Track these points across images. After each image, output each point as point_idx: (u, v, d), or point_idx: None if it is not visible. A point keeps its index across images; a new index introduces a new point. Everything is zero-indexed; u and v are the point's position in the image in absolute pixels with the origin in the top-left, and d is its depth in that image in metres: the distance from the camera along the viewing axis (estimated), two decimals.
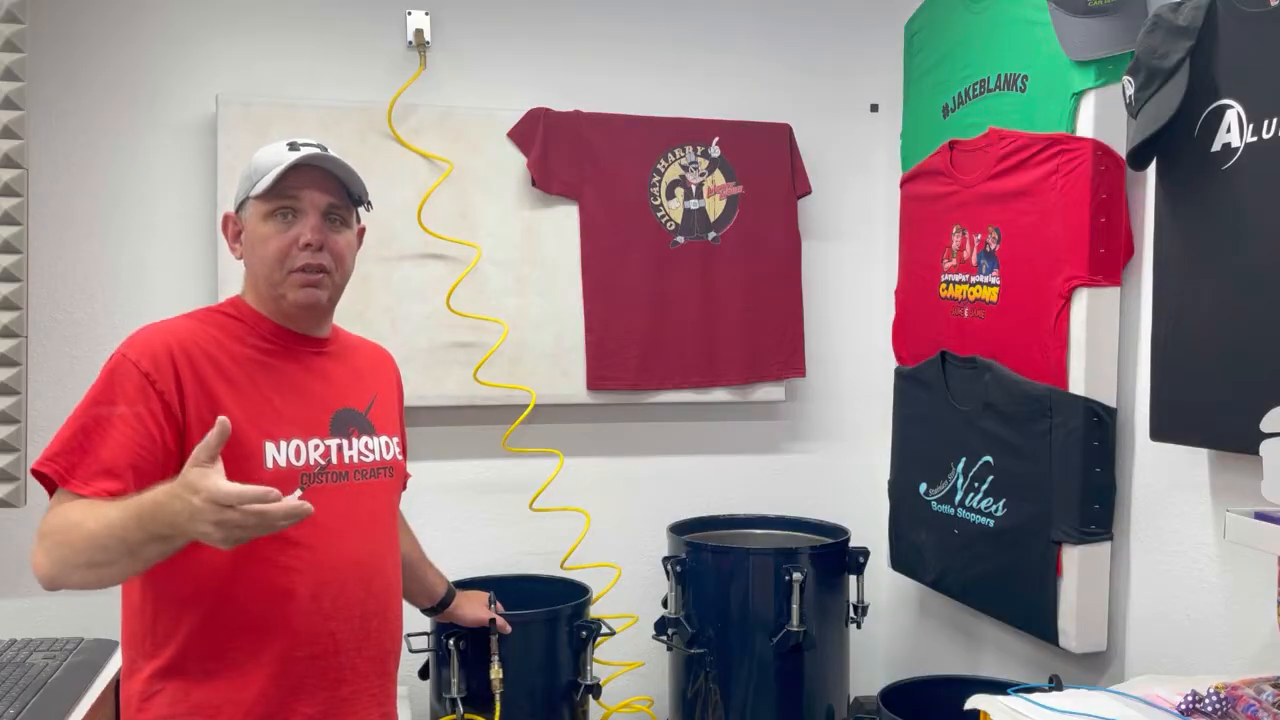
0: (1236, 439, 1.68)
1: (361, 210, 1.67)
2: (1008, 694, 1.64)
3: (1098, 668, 2.17)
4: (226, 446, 1.48)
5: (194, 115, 2.62)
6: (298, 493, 1.52)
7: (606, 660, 2.64)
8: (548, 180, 2.77)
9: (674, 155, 2.86)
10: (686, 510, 2.77)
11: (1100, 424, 2.09)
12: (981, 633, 2.58)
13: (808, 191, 2.95)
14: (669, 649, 2.56)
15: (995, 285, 2.32)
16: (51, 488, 1.45)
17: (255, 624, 1.51)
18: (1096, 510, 2.10)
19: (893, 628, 3.02)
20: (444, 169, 2.69)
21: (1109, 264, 2.08)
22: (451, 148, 2.71)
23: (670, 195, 2.85)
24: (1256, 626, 1.79)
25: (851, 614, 2.54)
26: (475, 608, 2.18)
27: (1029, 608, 2.20)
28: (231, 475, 1.47)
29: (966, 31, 2.49)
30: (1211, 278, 1.77)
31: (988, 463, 2.31)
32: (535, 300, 2.78)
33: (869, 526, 2.76)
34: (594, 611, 2.51)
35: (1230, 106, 1.73)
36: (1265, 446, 1.48)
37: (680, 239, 2.86)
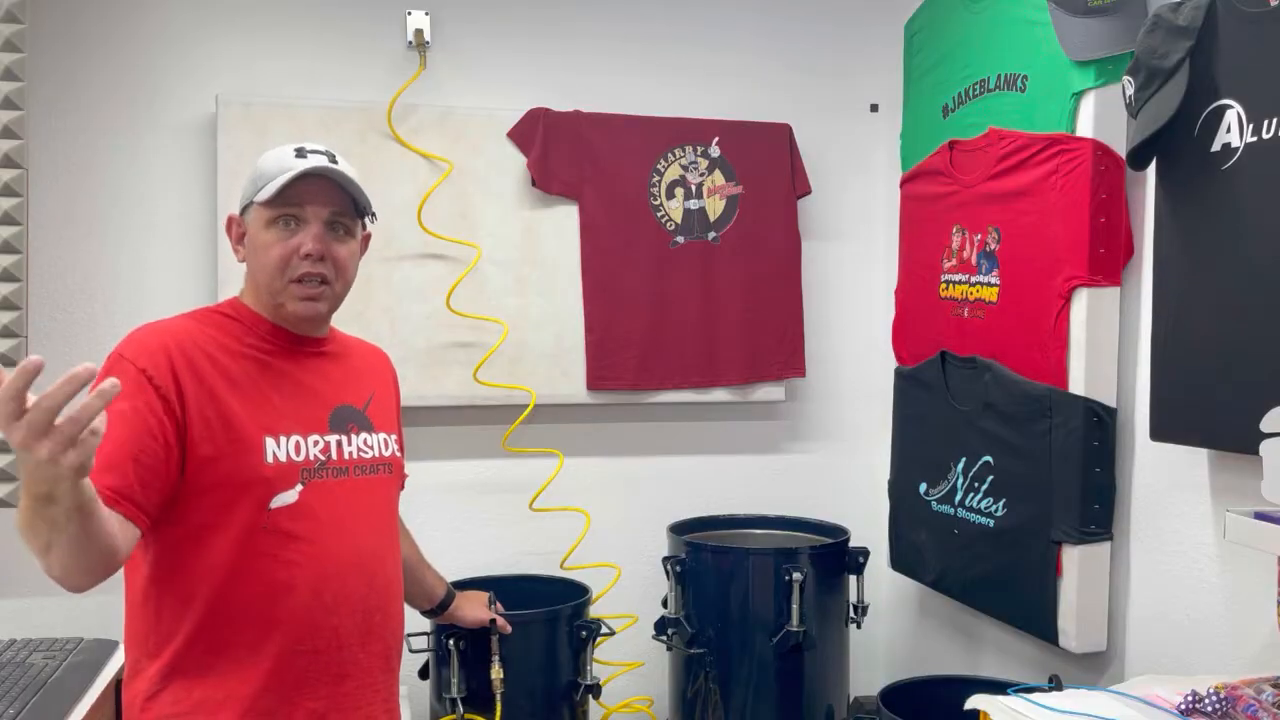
0: (1236, 439, 1.68)
1: (366, 220, 1.66)
2: (1008, 694, 1.64)
3: (1098, 668, 2.17)
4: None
5: (194, 115, 2.62)
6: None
7: (606, 660, 2.64)
8: (548, 180, 2.77)
9: (674, 155, 2.86)
10: (686, 510, 2.77)
11: (1100, 424, 2.09)
12: (981, 633, 2.58)
13: (808, 191, 2.95)
14: (669, 649, 2.56)
15: (995, 285, 2.32)
16: None
17: (258, 619, 1.51)
18: (1096, 510, 2.10)
19: (893, 628, 3.02)
20: (444, 169, 2.69)
21: (1109, 264, 2.08)
22: (451, 148, 2.71)
23: (670, 195, 2.85)
24: (1256, 626, 1.79)
25: (851, 614, 2.54)
26: (475, 608, 2.18)
27: (1029, 608, 2.20)
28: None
29: (966, 31, 2.49)
30: (1211, 278, 1.77)
31: (988, 463, 2.31)
32: (535, 300, 2.78)
33: (869, 526, 2.76)
34: (594, 611, 2.51)
35: (1230, 106, 1.73)
36: (1265, 446, 1.48)
37: (680, 239, 2.86)
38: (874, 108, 3.06)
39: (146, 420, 1.44)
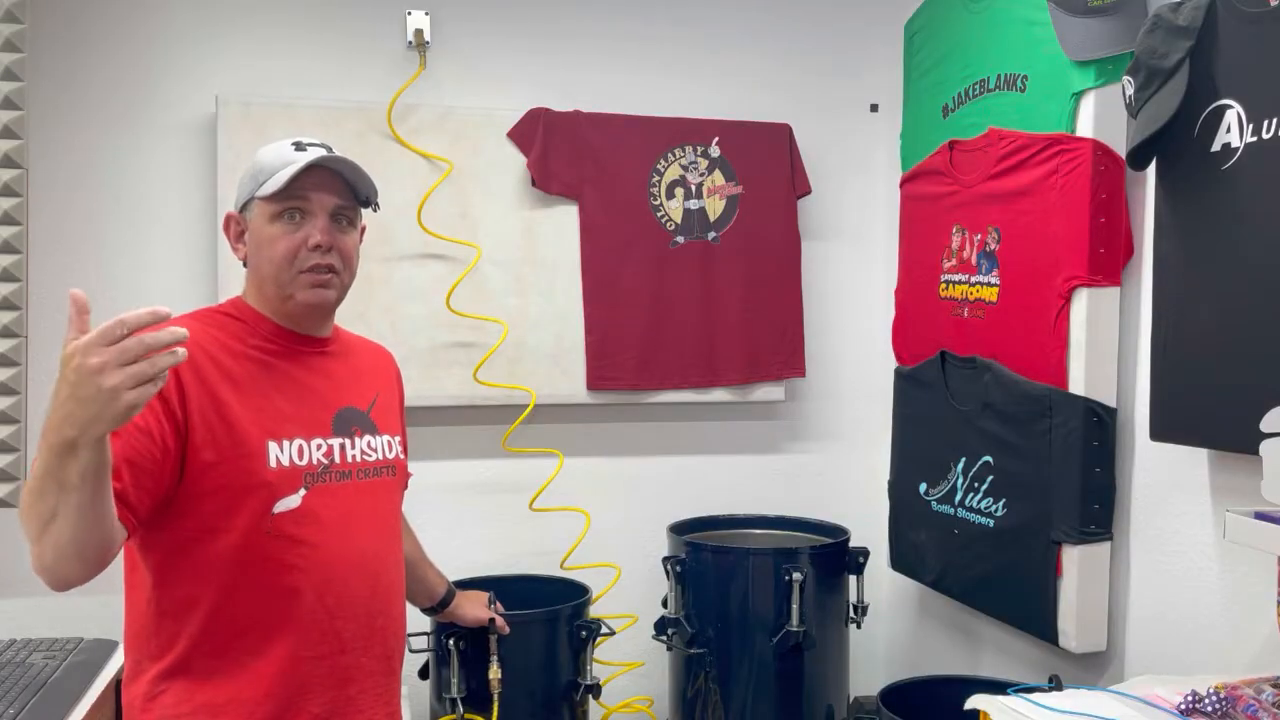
0: (1236, 439, 1.68)
1: (366, 210, 1.67)
2: (1008, 694, 1.64)
3: (1098, 668, 2.17)
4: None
5: (194, 115, 2.62)
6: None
7: (606, 660, 2.64)
8: (548, 180, 2.77)
9: (674, 155, 2.86)
10: (686, 510, 2.77)
11: (1100, 424, 2.08)
12: (981, 633, 2.58)
13: (808, 191, 2.95)
14: (669, 649, 2.56)
15: (995, 285, 2.32)
16: None
17: (261, 623, 1.50)
18: (1096, 510, 2.10)
19: (893, 628, 3.02)
20: (444, 169, 2.69)
21: (1109, 264, 2.08)
22: (451, 148, 2.71)
23: (670, 195, 2.85)
24: (1256, 626, 1.79)
25: (851, 614, 2.54)
26: (475, 608, 2.18)
27: (1029, 608, 2.20)
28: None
29: (966, 31, 2.49)
30: (1211, 278, 1.77)
31: (988, 463, 2.31)
32: (535, 300, 2.78)
33: (869, 526, 2.76)
34: (594, 611, 2.51)
35: (1230, 106, 1.73)
36: (1265, 446, 1.48)
37: (680, 239, 2.86)
38: (874, 108, 3.06)
39: (146, 422, 1.43)
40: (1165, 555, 2.02)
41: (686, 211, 2.86)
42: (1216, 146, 1.75)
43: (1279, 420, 1.47)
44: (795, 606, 2.35)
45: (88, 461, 1.21)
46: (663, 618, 2.54)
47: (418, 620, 2.15)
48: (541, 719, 2.34)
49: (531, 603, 2.40)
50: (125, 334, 1.14)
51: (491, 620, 2.18)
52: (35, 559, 1.34)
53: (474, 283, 2.71)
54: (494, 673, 2.19)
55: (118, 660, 2.06)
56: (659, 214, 2.85)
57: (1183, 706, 1.50)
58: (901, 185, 2.76)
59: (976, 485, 2.35)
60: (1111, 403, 2.10)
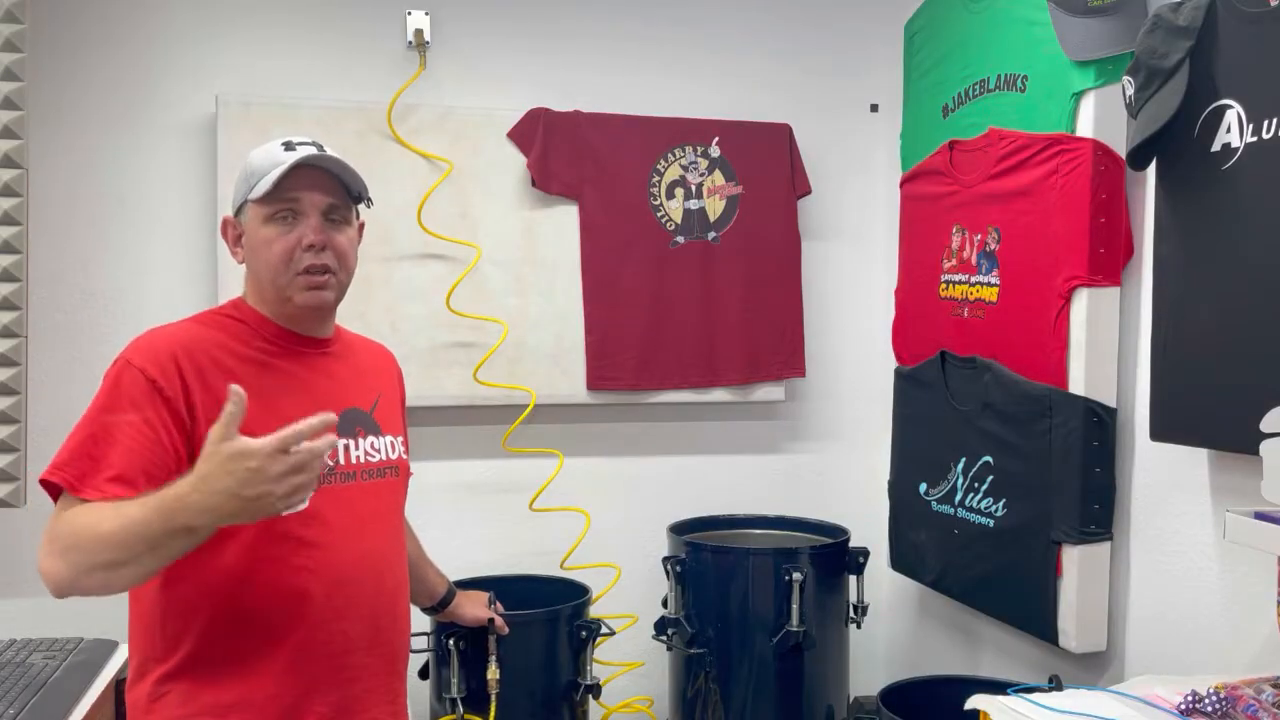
0: (1236, 439, 1.68)
1: (360, 206, 1.66)
2: (1008, 694, 1.64)
3: (1098, 668, 2.17)
4: None
5: (194, 115, 2.62)
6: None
7: (606, 660, 2.64)
8: (548, 180, 2.77)
9: (674, 155, 2.86)
10: (686, 510, 2.77)
11: (1100, 424, 2.08)
12: (981, 633, 2.58)
13: (808, 191, 2.95)
14: (669, 649, 2.56)
15: (995, 285, 2.32)
16: (57, 495, 1.43)
17: (268, 624, 1.50)
18: (1096, 510, 2.10)
19: (893, 628, 3.02)
20: (444, 169, 2.69)
21: (1109, 264, 2.08)
22: (451, 148, 2.71)
23: (670, 195, 2.85)
24: (1256, 626, 1.79)
25: (851, 614, 2.54)
26: (475, 607, 2.18)
27: (1029, 608, 2.20)
28: None
29: (966, 31, 2.49)
30: (1211, 278, 1.77)
31: (988, 463, 2.31)
32: (535, 300, 2.78)
33: (869, 526, 2.76)
34: (594, 611, 2.51)
35: (1230, 106, 1.73)
36: (1265, 446, 1.48)
37: (680, 239, 2.86)
38: (874, 108, 3.06)
39: (157, 432, 1.44)
40: (1165, 555, 2.02)
41: (686, 211, 2.86)
42: (1216, 146, 1.75)
43: (1279, 420, 1.47)
44: (795, 606, 2.35)
45: (198, 542, 1.33)
46: (663, 618, 2.54)
47: (418, 620, 2.14)
48: (541, 719, 2.34)
49: (531, 603, 2.40)
50: (297, 443, 1.25)
51: (491, 620, 2.18)
52: (67, 576, 1.38)
53: (474, 283, 2.71)
54: (492, 673, 2.19)
55: (118, 660, 2.06)
56: (659, 214, 2.85)
57: (1183, 706, 1.50)
58: (901, 185, 2.76)
59: (976, 485, 2.35)
60: (1111, 403, 2.10)
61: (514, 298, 2.76)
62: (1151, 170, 1.95)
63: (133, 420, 1.43)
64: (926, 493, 2.55)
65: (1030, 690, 1.68)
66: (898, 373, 2.73)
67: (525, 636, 2.27)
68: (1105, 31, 2.04)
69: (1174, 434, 1.88)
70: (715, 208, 2.88)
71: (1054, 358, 2.14)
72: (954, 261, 2.48)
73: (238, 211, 1.61)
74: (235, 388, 1.28)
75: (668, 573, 2.51)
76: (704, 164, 2.87)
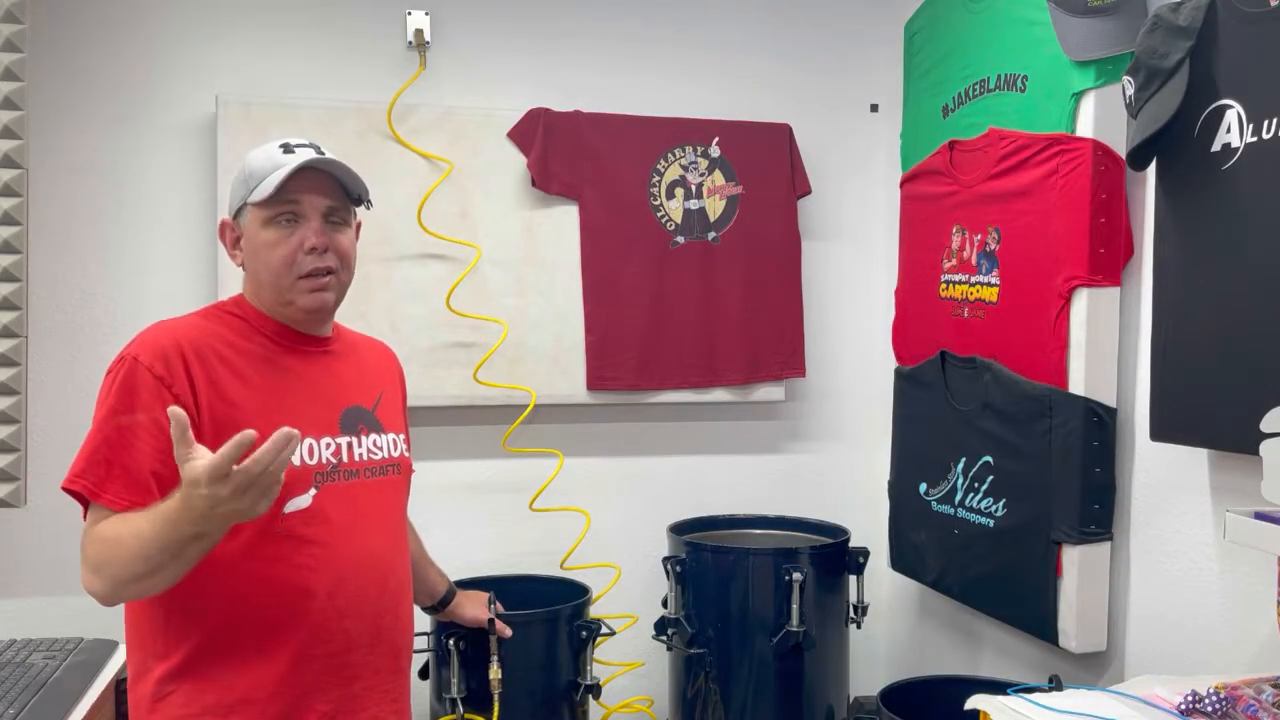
0: (1236, 439, 1.68)
1: (360, 207, 1.66)
2: (1008, 694, 1.64)
3: (1098, 668, 2.17)
4: None
5: (194, 115, 2.62)
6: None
7: (606, 660, 2.64)
8: (548, 180, 2.77)
9: (674, 155, 2.86)
10: (686, 510, 2.77)
11: (1100, 424, 2.08)
12: (981, 633, 2.58)
13: (807, 191, 2.95)
14: (669, 649, 2.56)
15: (995, 285, 2.32)
16: (85, 503, 1.46)
17: (272, 623, 1.50)
18: (1096, 510, 2.10)
19: (893, 628, 3.02)
20: (444, 169, 2.69)
21: (1109, 264, 2.08)
22: (451, 148, 2.71)
23: (670, 195, 2.85)
24: (1256, 626, 1.79)
25: (851, 614, 2.54)
26: (475, 608, 2.18)
27: (1029, 608, 2.20)
28: None
29: (966, 31, 2.49)
30: (1211, 278, 1.77)
31: (988, 463, 2.31)
32: (535, 300, 2.78)
33: (869, 526, 2.77)
34: (594, 611, 2.50)
35: (1230, 106, 1.73)
36: (1265, 446, 1.48)
37: (680, 239, 2.86)
38: (874, 108, 3.06)
39: (165, 432, 1.44)
40: (1165, 555, 2.02)
41: (686, 211, 2.86)
42: (1216, 146, 1.75)
43: (1279, 420, 1.47)
44: (795, 606, 2.35)
45: (211, 543, 1.36)
46: (663, 618, 2.54)
47: (418, 620, 2.14)
48: (541, 719, 2.34)
49: (531, 603, 2.39)
50: (229, 468, 1.26)
51: (491, 621, 2.17)
52: (107, 589, 1.42)
53: (474, 283, 2.71)
54: (494, 673, 2.18)
55: (118, 660, 2.06)
56: (659, 214, 2.85)
57: (1183, 706, 1.50)
58: (901, 185, 2.76)
59: (976, 485, 2.35)
60: (1111, 403, 2.10)
61: (514, 298, 2.76)
62: (1151, 170, 1.95)
63: (142, 422, 1.44)
64: (926, 493, 2.55)
65: (1030, 690, 1.68)
66: (898, 373, 2.73)
67: (525, 636, 2.27)
68: (1105, 31, 2.04)
69: (1174, 434, 1.88)
70: (715, 208, 2.88)
71: (1054, 358, 2.14)
72: (954, 261, 2.48)
73: (236, 214, 1.61)
74: (174, 410, 1.30)
75: (668, 573, 2.51)
76: (704, 164, 2.87)
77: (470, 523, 2.79)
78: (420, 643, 2.26)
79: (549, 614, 2.36)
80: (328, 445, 1.57)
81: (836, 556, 2.50)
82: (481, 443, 2.78)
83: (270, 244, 1.55)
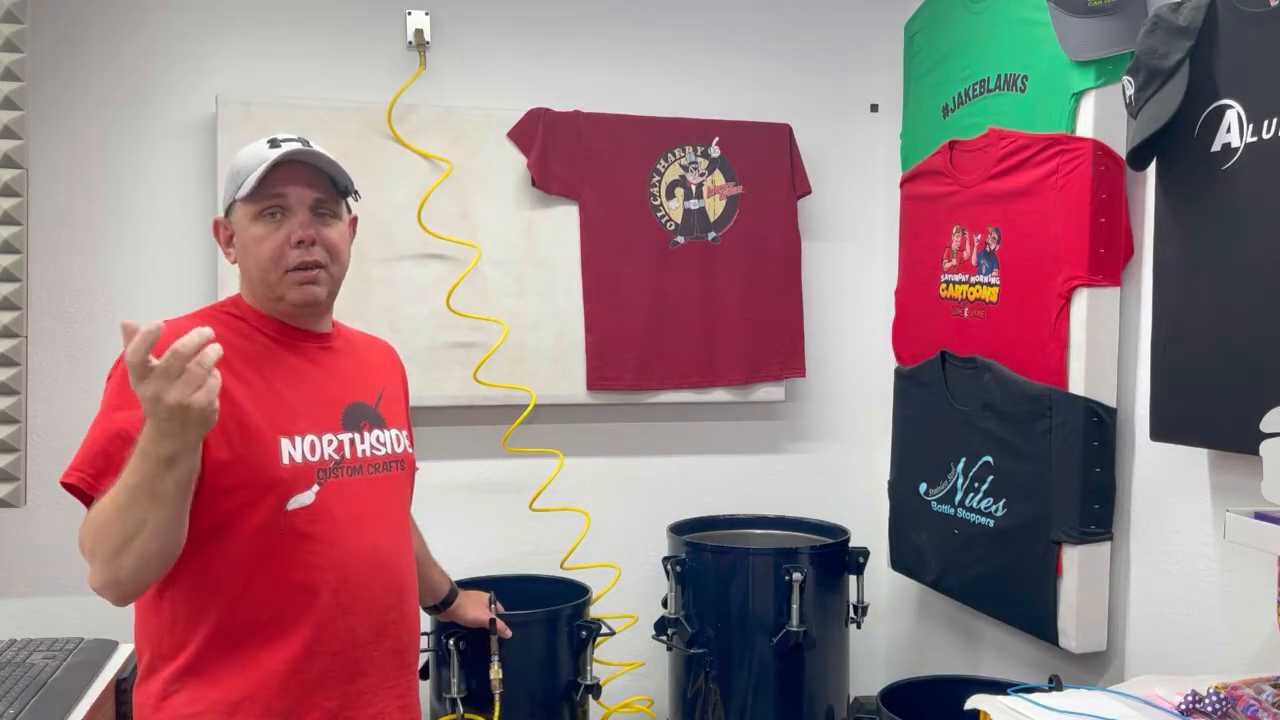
0: (1236, 439, 1.68)
1: (351, 200, 1.66)
2: (1008, 694, 1.64)
3: (1098, 668, 2.17)
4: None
5: (194, 115, 2.62)
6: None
7: (606, 660, 2.64)
8: (548, 180, 2.77)
9: (674, 155, 2.86)
10: (686, 510, 2.77)
11: (1100, 424, 2.08)
12: (981, 633, 2.58)
13: (808, 192, 2.95)
14: (669, 649, 2.56)
15: (995, 285, 2.32)
16: (84, 499, 1.45)
17: (277, 620, 1.50)
18: (1096, 510, 2.10)
19: (893, 628, 3.02)
20: (444, 169, 2.69)
21: (1109, 264, 2.08)
22: (451, 148, 2.71)
23: (670, 195, 2.85)
24: (1256, 626, 1.79)
25: (851, 614, 2.54)
26: (476, 608, 2.18)
27: (1029, 608, 2.20)
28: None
29: (966, 31, 2.49)
30: (1211, 278, 1.77)
31: (988, 463, 2.31)
32: (535, 300, 2.78)
33: (869, 526, 2.77)
34: (594, 611, 2.51)
35: (1230, 106, 1.73)
36: (1265, 446, 1.48)
37: (680, 239, 2.86)
38: (874, 108, 3.06)
39: None
40: (1165, 555, 2.02)
41: (686, 211, 2.86)
42: (1216, 146, 1.75)
43: (1279, 420, 1.47)
44: (795, 606, 2.35)
45: (184, 472, 1.31)
46: (663, 618, 2.54)
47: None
48: (541, 719, 2.34)
49: (531, 603, 2.40)
50: (146, 363, 1.23)
51: (492, 621, 2.18)
52: (109, 573, 1.38)
53: (474, 283, 2.71)
54: (495, 673, 2.18)
55: (118, 660, 2.06)
56: (659, 214, 2.85)
57: (1183, 706, 1.50)
58: (901, 185, 2.76)
59: (976, 485, 2.35)
60: (1111, 403, 2.10)
61: (514, 298, 2.76)
62: (1151, 170, 1.95)
63: (141, 416, 1.43)
64: (926, 493, 2.55)
65: (1030, 690, 1.68)
66: (898, 373, 2.74)
67: (525, 637, 2.27)
68: (1105, 31, 2.04)
69: (1174, 434, 1.88)
70: (715, 208, 2.88)
71: (1054, 358, 2.14)
72: (954, 261, 2.48)
73: (227, 211, 1.61)
74: (124, 323, 1.25)
75: (668, 573, 2.51)
76: (704, 164, 2.87)
77: (470, 523, 2.80)
78: (420, 643, 2.27)
79: (549, 614, 2.36)
80: (330, 442, 1.57)
81: (836, 556, 2.50)
82: (481, 443, 2.78)
83: (258, 239, 1.55)
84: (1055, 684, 1.92)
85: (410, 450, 1.74)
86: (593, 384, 2.81)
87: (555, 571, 2.68)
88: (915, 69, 2.73)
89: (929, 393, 2.55)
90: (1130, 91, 1.88)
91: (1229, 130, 1.73)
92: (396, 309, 2.67)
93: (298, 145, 1.56)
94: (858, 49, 3.03)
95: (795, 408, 3.04)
